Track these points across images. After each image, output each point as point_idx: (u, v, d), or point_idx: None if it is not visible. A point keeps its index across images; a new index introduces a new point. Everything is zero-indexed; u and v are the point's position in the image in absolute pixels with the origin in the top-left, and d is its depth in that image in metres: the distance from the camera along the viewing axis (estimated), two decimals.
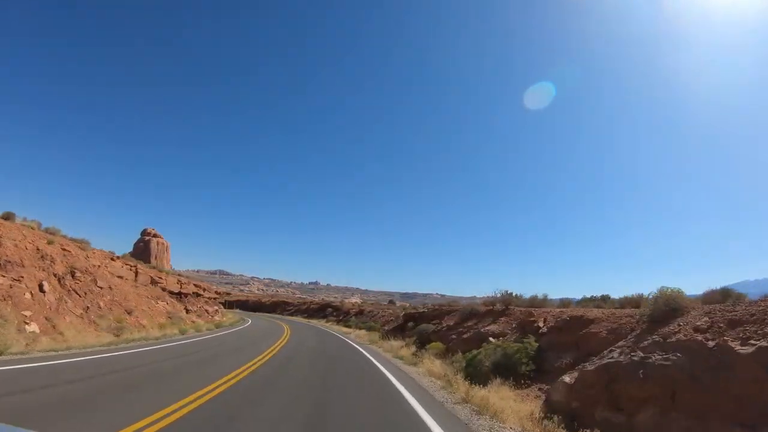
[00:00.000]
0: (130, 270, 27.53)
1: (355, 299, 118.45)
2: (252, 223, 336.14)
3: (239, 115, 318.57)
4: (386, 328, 32.32)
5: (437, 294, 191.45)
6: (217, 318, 41.80)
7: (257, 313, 74.92)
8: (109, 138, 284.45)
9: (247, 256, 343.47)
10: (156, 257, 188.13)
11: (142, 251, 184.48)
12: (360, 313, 51.29)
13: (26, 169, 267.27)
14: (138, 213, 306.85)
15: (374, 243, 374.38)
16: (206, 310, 40.76)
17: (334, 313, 58.15)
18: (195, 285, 41.64)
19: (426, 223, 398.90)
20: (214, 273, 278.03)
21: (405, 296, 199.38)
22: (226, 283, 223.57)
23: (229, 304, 74.47)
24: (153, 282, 29.93)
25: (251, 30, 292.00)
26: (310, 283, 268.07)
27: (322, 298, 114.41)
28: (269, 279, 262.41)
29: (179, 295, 34.93)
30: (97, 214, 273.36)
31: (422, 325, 22.47)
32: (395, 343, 21.37)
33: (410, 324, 26.51)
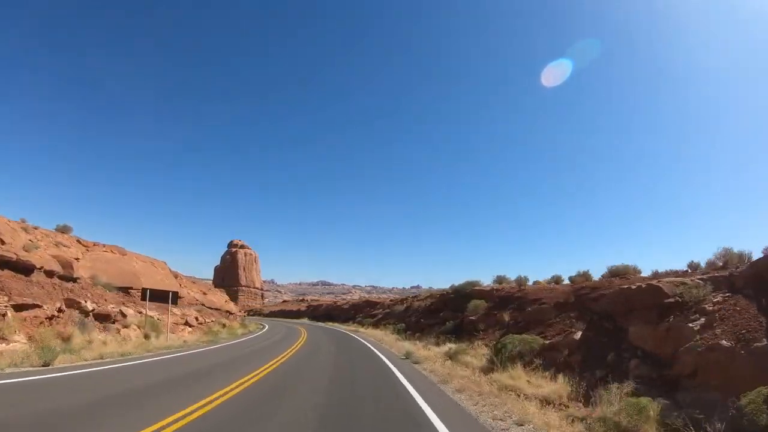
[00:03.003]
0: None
1: None
2: (353, 232, 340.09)
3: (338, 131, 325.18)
4: None
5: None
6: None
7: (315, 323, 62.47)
8: (211, 151, 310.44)
9: (349, 265, 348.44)
10: (244, 269, 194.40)
11: (229, 264, 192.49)
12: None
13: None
14: (235, 227, 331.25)
15: (462, 236, 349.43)
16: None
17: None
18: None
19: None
20: (315, 284, 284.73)
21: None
22: (328, 293, 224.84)
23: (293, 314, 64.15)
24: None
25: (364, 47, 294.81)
26: (411, 287, 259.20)
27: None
28: (371, 286, 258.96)
29: None
30: (202, 226, 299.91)
31: None
32: None
33: None
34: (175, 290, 23.95)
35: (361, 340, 27.35)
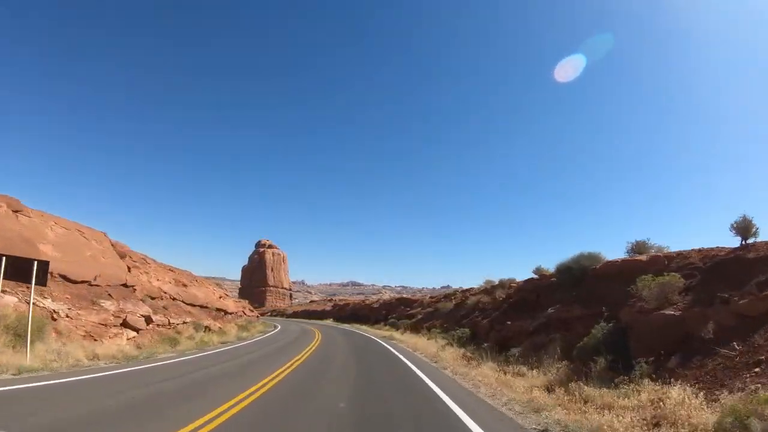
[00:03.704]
0: None
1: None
2: (382, 233, 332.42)
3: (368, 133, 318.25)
4: None
5: None
6: None
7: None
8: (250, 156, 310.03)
9: (378, 265, 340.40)
10: (272, 269, 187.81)
11: (257, 264, 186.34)
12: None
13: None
14: (264, 228, 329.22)
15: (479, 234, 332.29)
16: None
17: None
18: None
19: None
20: (345, 285, 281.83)
21: None
22: (358, 294, 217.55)
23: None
24: None
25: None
26: (442, 287, 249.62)
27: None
28: (401, 286, 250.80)
29: None
30: (230, 228, 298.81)
31: None
32: None
33: None
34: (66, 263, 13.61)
35: (403, 358, 16.11)
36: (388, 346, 20.87)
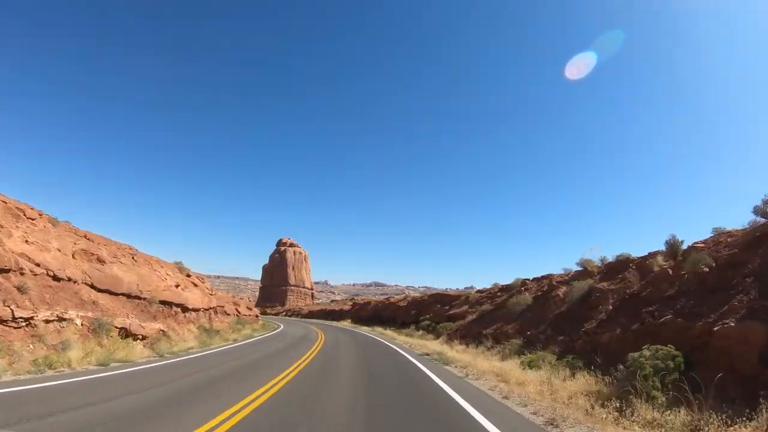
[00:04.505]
0: None
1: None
2: (406, 233, 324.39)
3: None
4: None
5: None
6: None
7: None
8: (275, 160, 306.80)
9: (402, 267, 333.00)
10: (293, 267, 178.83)
11: (278, 262, 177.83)
12: None
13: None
14: (287, 229, 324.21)
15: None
16: None
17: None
18: None
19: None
20: (369, 285, 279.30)
21: None
22: (381, 295, 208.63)
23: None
24: None
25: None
26: (465, 288, 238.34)
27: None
28: (424, 287, 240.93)
29: None
30: (258, 228, 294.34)
31: None
32: None
33: None
34: None
35: None
36: (458, 395, 9.10)
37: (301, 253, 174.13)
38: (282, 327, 38.12)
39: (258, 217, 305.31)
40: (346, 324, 48.42)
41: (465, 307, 29.53)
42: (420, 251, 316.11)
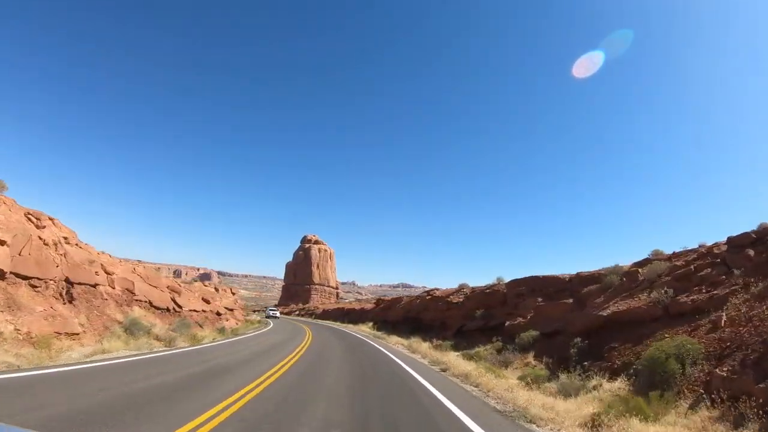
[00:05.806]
0: None
1: None
2: (432, 235, 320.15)
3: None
4: None
5: None
6: None
7: None
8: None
9: (428, 267, 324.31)
10: (318, 265, 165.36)
11: (302, 260, 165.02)
12: None
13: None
14: (313, 228, 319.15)
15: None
16: None
17: None
18: None
19: None
20: (396, 286, 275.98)
21: None
22: (407, 296, 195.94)
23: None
24: None
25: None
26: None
27: None
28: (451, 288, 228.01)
29: None
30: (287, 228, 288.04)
31: None
32: None
33: None
34: None
35: None
36: None
37: (326, 250, 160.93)
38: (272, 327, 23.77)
39: (288, 217, 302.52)
40: (366, 329, 33.37)
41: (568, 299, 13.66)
42: (447, 253, 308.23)
